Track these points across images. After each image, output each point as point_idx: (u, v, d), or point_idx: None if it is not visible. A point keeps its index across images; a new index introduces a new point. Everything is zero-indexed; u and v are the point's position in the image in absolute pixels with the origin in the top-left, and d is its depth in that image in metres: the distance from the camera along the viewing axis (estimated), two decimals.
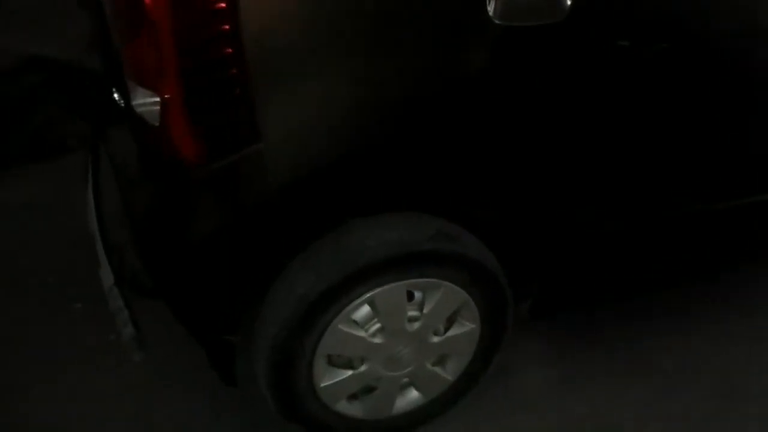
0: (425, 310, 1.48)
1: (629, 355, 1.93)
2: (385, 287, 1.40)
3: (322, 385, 1.49)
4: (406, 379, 1.59)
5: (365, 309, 1.44)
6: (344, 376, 1.51)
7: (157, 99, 1.15)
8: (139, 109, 1.20)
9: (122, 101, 1.31)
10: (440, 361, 1.62)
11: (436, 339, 1.54)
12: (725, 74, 1.47)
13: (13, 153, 2.61)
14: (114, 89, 1.36)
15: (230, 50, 1.10)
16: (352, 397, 1.58)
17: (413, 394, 1.64)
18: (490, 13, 1.19)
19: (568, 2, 1.22)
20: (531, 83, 1.32)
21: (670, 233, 1.71)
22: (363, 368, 1.51)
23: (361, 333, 1.45)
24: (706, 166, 1.61)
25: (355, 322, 1.44)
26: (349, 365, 1.51)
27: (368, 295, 1.40)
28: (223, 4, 1.07)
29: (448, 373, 1.63)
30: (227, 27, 1.09)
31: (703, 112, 1.50)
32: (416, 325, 1.49)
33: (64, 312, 2.01)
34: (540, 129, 1.38)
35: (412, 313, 1.48)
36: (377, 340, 1.47)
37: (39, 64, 2.79)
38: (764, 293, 2.15)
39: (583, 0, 1.22)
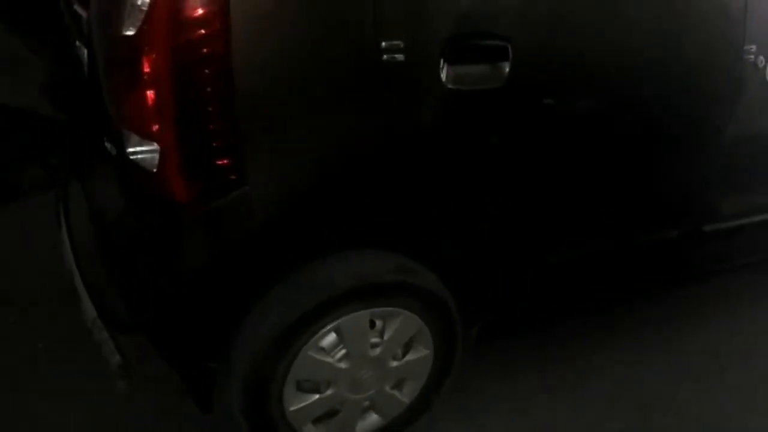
0: (385, 336, 1.65)
1: (571, 374, 2.14)
2: (351, 315, 1.56)
3: (292, 408, 1.61)
4: (367, 403, 1.73)
5: (332, 336, 1.58)
6: (312, 400, 1.64)
7: (154, 147, 1.29)
8: (134, 157, 1.33)
9: (114, 149, 1.43)
10: (398, 385, 1.77)
11: (394, 363, 1.70)
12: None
13: None
14: (105, 137, 1.49)
15: (224, 106, 1.27)
16: (317, 420, 1.70)
17: (373, 417, 1.78)
18: (443, 79, 1.42)
19: (507, 71, 1.46)
20: (475, 138, 1.55)
21: (604, 264, 1.97)
22: (329, 392, 1.65)
23: (328, 359, 1.60)
24: (614, 208, 1.89)
25: (323, 349, 1.59)
26: (316, 389, 1.65)
27: (335, 323, 1.55)
28: (221, 66, 1.23)
29: (405, 396, 1.79)
30: (224, 87, 1.25)
31: (607, 160, 1.77)
32: (377, 350, 1.65)
33: (27, 351, 2.05)
34: (483, 175, 1.60)
35: (374, 339, 1.64)
36: (343, 365, 1.62)
37: None
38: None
39: (518, 68, 1.47)
